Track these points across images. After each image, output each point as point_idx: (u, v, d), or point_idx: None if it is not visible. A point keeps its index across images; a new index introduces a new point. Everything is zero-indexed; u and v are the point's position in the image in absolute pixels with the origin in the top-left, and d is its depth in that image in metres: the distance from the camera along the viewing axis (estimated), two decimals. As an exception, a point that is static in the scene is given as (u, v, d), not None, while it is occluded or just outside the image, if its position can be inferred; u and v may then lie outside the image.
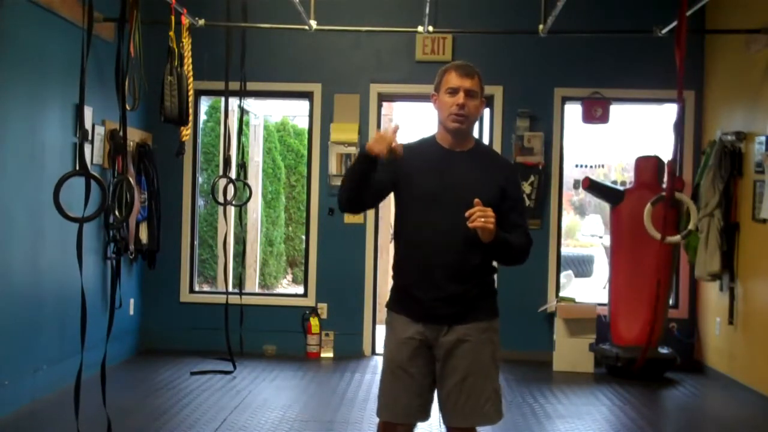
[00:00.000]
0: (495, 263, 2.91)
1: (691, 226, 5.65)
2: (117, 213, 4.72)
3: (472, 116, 2.83)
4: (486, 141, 6.98)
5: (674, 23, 5.68)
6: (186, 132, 5.79)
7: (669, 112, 7.23)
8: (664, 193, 5.47)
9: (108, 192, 3.39)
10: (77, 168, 3.34)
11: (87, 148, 5.40)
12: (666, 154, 7.01)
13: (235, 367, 6.05)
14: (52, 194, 3.21)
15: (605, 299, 6.72)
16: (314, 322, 6.82)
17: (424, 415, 2.90)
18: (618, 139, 12.56)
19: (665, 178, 6.40)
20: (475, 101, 2.82)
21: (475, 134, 7.53)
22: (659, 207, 6.37)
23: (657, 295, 4.87)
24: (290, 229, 10.61)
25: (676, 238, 5.67)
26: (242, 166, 6.28)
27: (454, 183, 2.80)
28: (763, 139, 5.53)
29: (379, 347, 6.92)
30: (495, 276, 2.94)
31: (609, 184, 7.15)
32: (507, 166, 3.02)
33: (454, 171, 2.82)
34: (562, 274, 7.57)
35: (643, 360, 5.52)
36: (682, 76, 4.37)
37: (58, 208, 3.20)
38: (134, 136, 6.26)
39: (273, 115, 10.27)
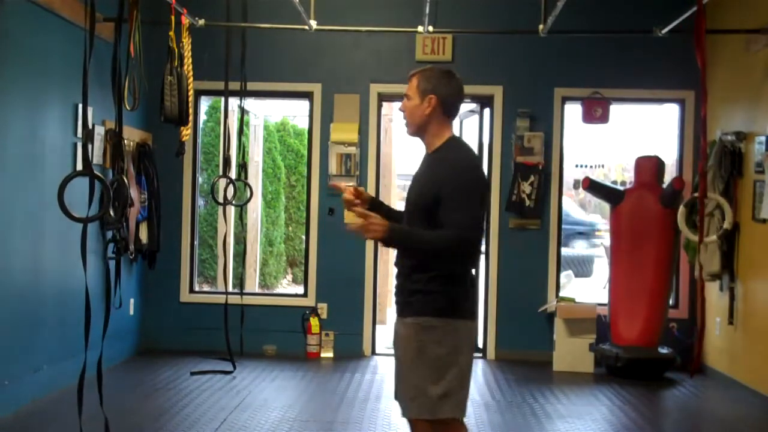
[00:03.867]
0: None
1: (726, 225, 5.69)
2: (111, 213, 4.71)
3: (410, 117, 2.98)
4: (486, 141, 6.98)
5: (674, 23, 5.69)
6: (186, 132, 5.78)
7: (669, 112, 7.22)
8: (696, 194, 5.48)
9: (111, 192, 3.38)
10: (79, 168, 3.33)
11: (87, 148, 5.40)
12: (665, 154, 7.02)
13: (235, 367, 6.05)
14: (57, 194, 3.19)
15: (605, 299, 6.72)
16: (314, 322, 6.82)
17: None
18: (618, 139, 12.57)
19: (690, 178, 6.42)
20: (409, 102, 2.97)
21: (475, 134, 7.54)
22: (656, 207, 6.41)
23: (702, 298, 4.93)
24: (290, 229, 10.60)
25: (713, 238, 5.72)
26: (242, 166, 6.28)
27: (410, 185, 3.00)
28: (763, 139, 5.53)
29: (379, 347, 6.93)
30: (441, 275, 2.79)
31: (609, 184, 7.17)
32: (447, 165, 2.84)
33: (416, 173, 2.99)
34: (562, 274, 7.57)
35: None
36: (705, 77, 4.45)
37: (62, 208, 3.19)
38: (134, 136, 6.26)
39: (273, 115, 10.27)
